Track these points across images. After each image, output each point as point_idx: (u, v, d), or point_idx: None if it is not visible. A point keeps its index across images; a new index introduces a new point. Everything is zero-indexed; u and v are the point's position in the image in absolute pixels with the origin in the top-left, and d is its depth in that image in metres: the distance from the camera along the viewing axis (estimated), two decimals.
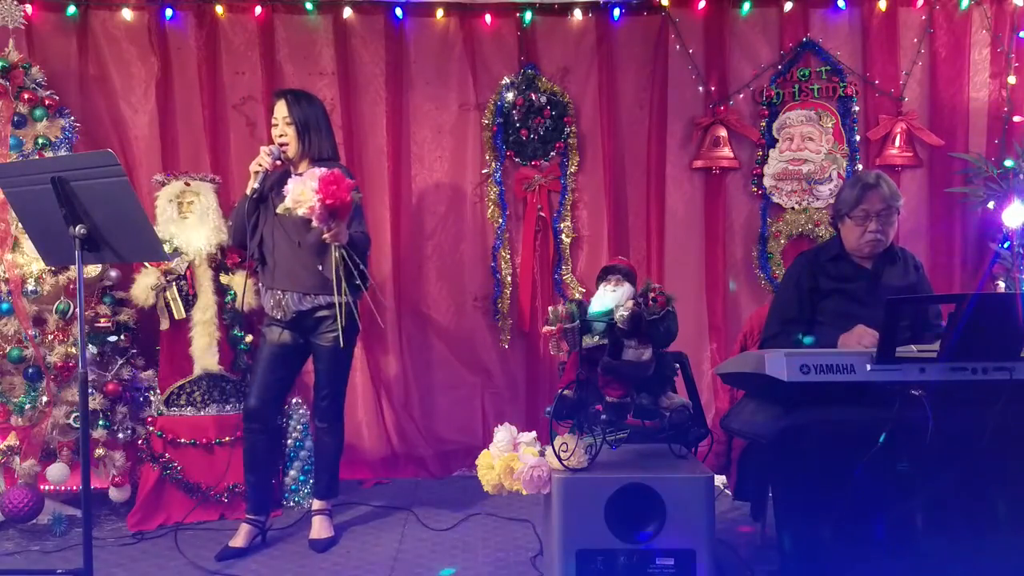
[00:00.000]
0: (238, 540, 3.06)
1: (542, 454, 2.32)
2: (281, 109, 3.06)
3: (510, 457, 2.33)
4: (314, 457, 3.40)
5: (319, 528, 3.16)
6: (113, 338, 3.49)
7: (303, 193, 2.68)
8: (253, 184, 2.99)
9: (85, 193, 2.34)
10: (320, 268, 2.97)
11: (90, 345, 3.39)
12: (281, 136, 3.04)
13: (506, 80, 4.01)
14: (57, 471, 3.29)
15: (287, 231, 2.99)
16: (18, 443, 3.30)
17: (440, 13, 3.99)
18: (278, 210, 2.86)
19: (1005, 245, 3.79)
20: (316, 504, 3.24)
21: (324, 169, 2.73)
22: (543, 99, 3.98)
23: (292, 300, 3.01)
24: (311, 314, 3.04)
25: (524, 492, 2.30)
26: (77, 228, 2.35)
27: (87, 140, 3.75)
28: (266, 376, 3.09)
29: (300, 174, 2.99)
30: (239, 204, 3.13)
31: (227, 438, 3.43)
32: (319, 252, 2.96)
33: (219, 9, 3.90)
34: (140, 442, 3.44)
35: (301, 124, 3.04)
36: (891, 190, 2.71)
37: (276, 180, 3.02)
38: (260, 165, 2.98)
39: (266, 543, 3.14)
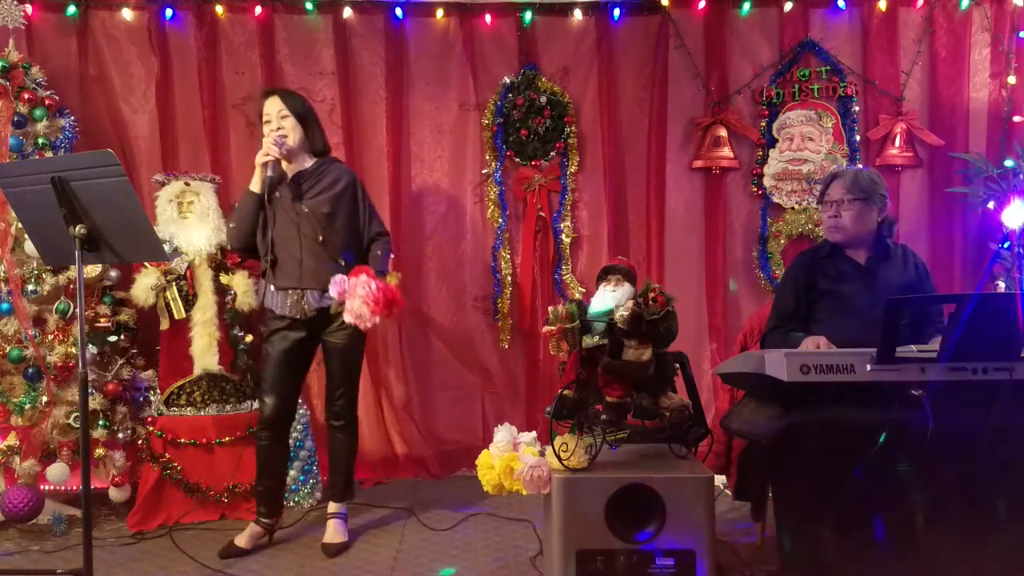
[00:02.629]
0: (243, 540, 3.04)
1: (542, 454, 2.32)
2: (275, 104, 3.03)
3: (510, 457, 2.33)
4: (329, 458, 3.23)
5: (334, 532, 3.11)
6: (113, 338, 3.49)
7: (360, 311, 2.75)
8: (266, 174, 2.94)
9: (85, 193, 2.34)
10: (341, 263, 2.97)
11: (90, 345, 3.39)
12: (279, 129, 3.00)
13: (506, 80, 4.01)
14: (57, 471, 3.29)
15: (305, 229, 2.97)
16: (18, 443, 3.30)
17: (440, 13, 3.99)
18: (333, 311, 2.90)
19: (1005, 245, 3.79)
20: (332, 507, 3.17)
21: (364, 278, 2.76)
22: (543, 99, 3.98)
23: (312, 298, 2.98)
24: (328, 311, 2.99)
25: (524, 492, 2.30)
26: (77, 228, 2.35)
27: (87, 140, 3.74)
28: (283, 383, 3.05)
29: (305, 170, 3.04)
30: (244, 203, 3.03)
31: (227, 438, 3.43)
32: (342, 247, 3.00)
33: (219, 9, 3.91)
34: (140, 442, 3.44)
35: (299, 116, 3.03)
36: (856, 181, 2.74)
37: (277, 180, 2.99)
38: (268, 155, 2.94)
39: (271, 543, 3.13)
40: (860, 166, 3.95)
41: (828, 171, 2.86)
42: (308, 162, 3.08)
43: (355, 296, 2.76)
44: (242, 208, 3.04)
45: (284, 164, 3.03)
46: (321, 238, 2.97)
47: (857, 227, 2.74)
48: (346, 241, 3.04)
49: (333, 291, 2.84)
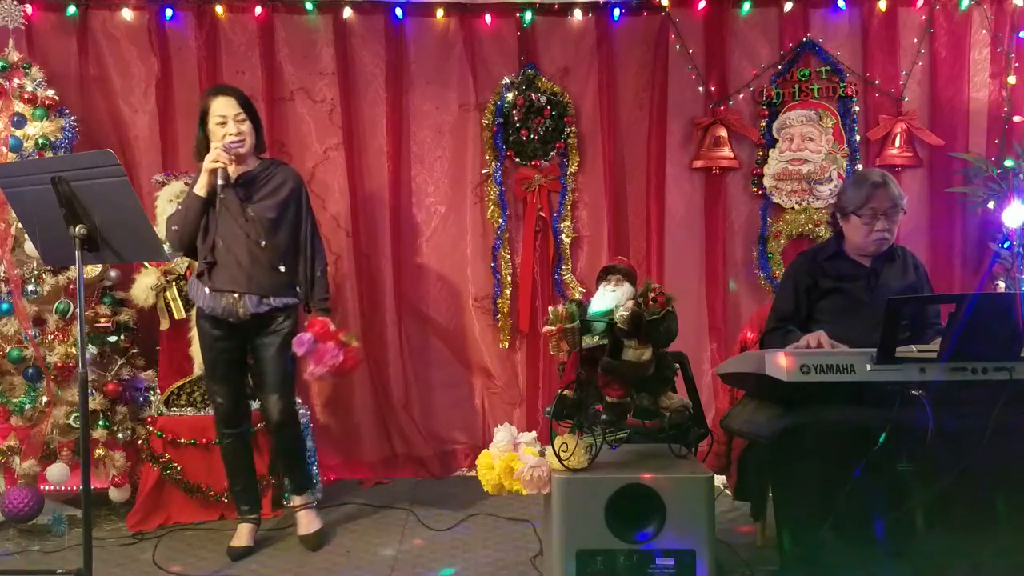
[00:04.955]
0: (244, 539, 3.06)
1: (542, 454, 2.32)
2: (231, 106, 2.93)
3: (510, 457, 2.33)
4: (280, 460, 3.26)
5: (308, 523, 3.12)
6: (113, 338, 3.49)
7: (320, 373, 2.90)
8: (215, 180, 2.86)
9: (85, 193, 2.34)
10: (281, 269, 2.97)
11: (90, 345, 3.39)
12: (238, 134, 2.91)
13: (506, 80, 4.01)
14: (57, 471, 3.29)
15: (248, 232, 2.92)
16: (18, 443, 3.30)
17: (440, 13, 3.99)
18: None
19: (1005, 245, 3.79)
20: (296, 500, 3.18)
21: (332, 346, 2.88)
22: (543, 99, 3.98)
23: (250, 303, 2.93)
24: (264, 316, 2.98)
25: (524, 492, 2.30)
26: (77, 228, 2.36)
27: (87, 140, 3.75)
28: (232, 381, 3.06)
29: (251, 172, 2.98)
30: (188, 206, 2.94)
31: None
32: (283, 253, 2.99)
33: (219, 9, 3.91)
34: (140, 442, 3.44)
35: (253, 118, 2.99)
36: (898, 189, 2.72)
37: (224, 185, 2.90)
38: (218, 162, 2.86)
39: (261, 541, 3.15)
40: (860, 167, 3.97)
41: (865, 179, 2.72)
42: (253, 163, 3.02)
43: (324, 364, 2.88)
44: (187, 212, 2.94)
45: (231, 166, 2.94)
46: (263, 243, 2.93)
47: (896, 233, 2.74)
48: (288, 247, 3.01)
49: (298, 350, 2.89)
